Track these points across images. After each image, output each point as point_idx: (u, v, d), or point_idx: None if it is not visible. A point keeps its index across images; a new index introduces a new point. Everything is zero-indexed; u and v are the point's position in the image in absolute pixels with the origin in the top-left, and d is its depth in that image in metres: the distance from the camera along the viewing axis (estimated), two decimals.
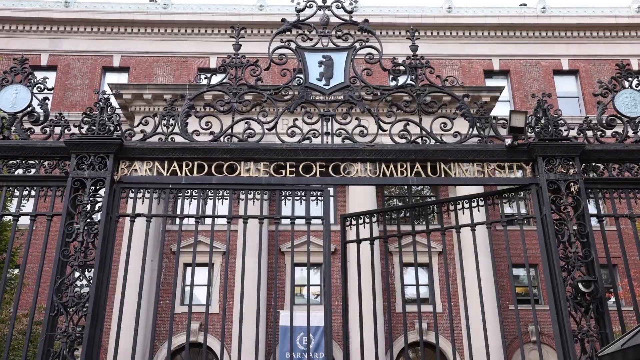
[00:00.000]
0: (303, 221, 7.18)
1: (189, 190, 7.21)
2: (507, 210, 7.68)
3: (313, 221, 7.23)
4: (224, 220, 7.13)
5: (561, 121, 7.36)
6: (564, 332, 6.38)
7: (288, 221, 7.04)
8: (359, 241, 7.54)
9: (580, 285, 6.45)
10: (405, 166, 7.21)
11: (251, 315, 8.71)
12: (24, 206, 7.05)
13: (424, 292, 22.08)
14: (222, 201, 7.19)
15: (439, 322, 21.36)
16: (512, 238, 9.03)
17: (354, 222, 7.79)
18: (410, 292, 20.42)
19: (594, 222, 7.05)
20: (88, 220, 6.74)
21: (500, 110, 21.35)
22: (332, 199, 21.00)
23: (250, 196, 7.15)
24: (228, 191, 7.17)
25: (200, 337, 19.31)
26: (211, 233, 7.09)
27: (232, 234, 20.58)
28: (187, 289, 22.01)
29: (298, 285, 22.37)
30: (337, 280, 19.96)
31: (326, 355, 7.07)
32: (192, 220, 7.18)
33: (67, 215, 6.73)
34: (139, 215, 6.97)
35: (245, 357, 14.24)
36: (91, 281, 6.49)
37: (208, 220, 7.24)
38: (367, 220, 7.81)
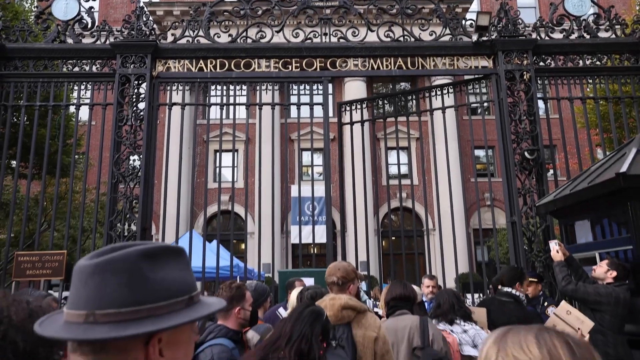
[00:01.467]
0: (307, 110, 7.14)
1: (214, 84, 7.15)
2: (472, 99, 7.57)
3: (315, 115, 7.21)
4: (244, 114, 7.11)
5: (519, 20, 7.12)
6: (511, 189, 6.56)
7: (296, 114, 6.99)
8: (352, 123, 7.54)
9: (526, 153, 6.55)
10: (389, 61, 7.05)
11: (268, 188, 8.94)
12: (82, 98, 7.04)
13: (404, 169, 22.42)
14: (241, 93, 7.11)
15: (415, 192, 21.89)
16: (475, 127, 9.01)
17: (348, 107, 7.74)
18: (393, 170, 20.72)
19: (541, 105, 7.04)
20: (134, 108, 6.75)
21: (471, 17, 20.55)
22: (330, 89, 20.73)
23: (263, 87, 7.08)
24: (246, 84, 7.10)
25: (230, 206, 19.91)
26: (233, 120, 7.09)
27: (251, 125, 20.58)
28: (217, 169, 22.39)
29: (305, 166, 22.68)
30: (336, 161, 20.21)
31: (326, 218, 7.29)
32: (219, 114, 7.17)
33: (117, 104, 6.72)
34: (175, 104, 6.96)
35: (264, 220, 14.75)
36: (141, 156, 6.61)
37: (231, 114, 7.22)
38: (359, 106, 7.77)
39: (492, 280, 5.05)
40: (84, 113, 8.68)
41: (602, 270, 4.73)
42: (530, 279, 5.64)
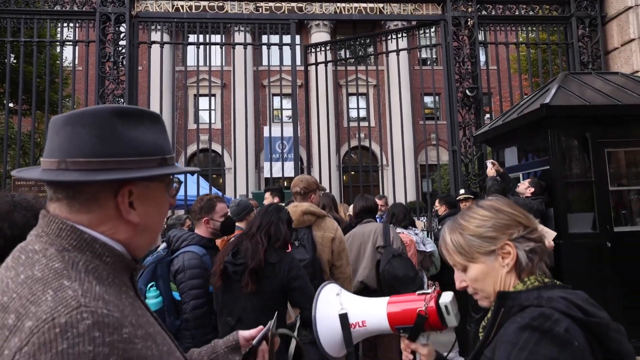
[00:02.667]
0: (278, 57, 6.86)
1: (190, 24, 6.75)
2: (423, 46, 7.44)
3: (284, 59, 6.97)
4: (219, 62, 6.79)
5: None
6: (453, 122, 6.64)
7: (267, 60, 6.73)
8: (317, 64, 7.34)
9: (467, 91, 6.58)
10: (351, 6, 6.81)
11: (242, 129, 8.75)
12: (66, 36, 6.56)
13: (363, 113, 22.34)
14: (216, 39, 6.76)
15: (372, 133, 21.97)
16: (424, 76, 8.95)
17: (314, 50, 7.51)
18: (353, 114, 20.64)
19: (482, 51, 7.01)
20: (116, 46, 6.36)
21: None
22: (297, 40, 20.12)
23: (236, 29, 6.75)
24: (220, 25, 6.74)
25: (208, 144, 19.56)
26: (209, 63, 6.79)
27: (227, 73, 19.86)
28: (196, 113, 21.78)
29: (276, 109, 22.27)
30: (303, 105, 19.91)
31: (294, 155, 7.23)
32: (196, 61, 6.82)
33: (99, 42, 6.30)
34: (154, 42, 6.59)
35: (239, 157, 14.57)
36: (124, 91, 6.31)
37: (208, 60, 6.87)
38: (324, 48, 7.54)
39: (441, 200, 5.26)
40: (68, 53, 8.13)
41: (523, 187, 4.97)
42: (465, 196, 5.84)
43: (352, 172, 20.59)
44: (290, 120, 22.63)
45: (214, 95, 20.29)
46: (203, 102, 21.29)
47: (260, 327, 1.33)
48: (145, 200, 0.95)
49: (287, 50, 7.01)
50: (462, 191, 6.01)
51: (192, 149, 20.31)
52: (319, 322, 1.28)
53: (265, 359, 1.30)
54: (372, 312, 1.25)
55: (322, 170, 7.96)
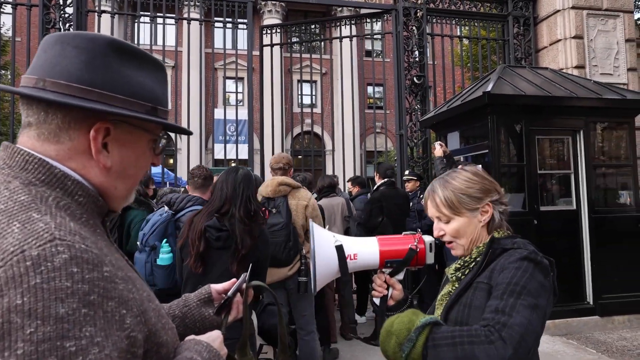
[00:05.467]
0: (231, 45, 6.55)
1: None
2: (371, 35, 7.42)
3: (239, 41, 6.66)
4: (173, 42, 6.35)
5: None
6: (401, 108, 6.70)
7: (221, 42, 6.38)
8: (272, 45, 7.09)
9: (414, 79, 6.65)
10: None
11: (196, 111, 8.36)
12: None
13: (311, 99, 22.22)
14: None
15: (319, 119, 21.94)
16: (371, 66, 8.91)
17: (269, 30, 7.24)
18: (305, 100, 20.49)
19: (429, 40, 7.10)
20: (61, 12, 5.78)
21: None
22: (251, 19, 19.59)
23: (191, 3, 6.36)
24: (176, 1, 6.30)
25: None
26: (163, 41, 6.34)
27: (179, 53, 18.94)
28: None
29: (229, 92, 21.61)
30: (257, 89, 19.49)
31: (248, 138, 6.99)
32: (147, 40, 6.34)
33: (43, 6, 5.69)
34: (104, 11, 6.04)
35: (192, 138, 13.99)
36: None
37: (160, 38, 6.42)
38: (277, 30, 7.30)
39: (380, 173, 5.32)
40: (7, 19, 7.28)
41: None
42: (409, 177, 5.95)
43: (299, 157, 20.52)
44: (242, 104, 22.16)
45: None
46: None
47: (234, 279, 1.26)
48: (123, 145, 0.83)
49: (241, 34, 6.71)
50: (406, 172, 6.12)
51: None
52: (318, 253, 1.28)
53: (239, 310, 1.24)
54: (364, 247, 1.32)
55: (275, 153, 7.77)
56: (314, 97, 22.19)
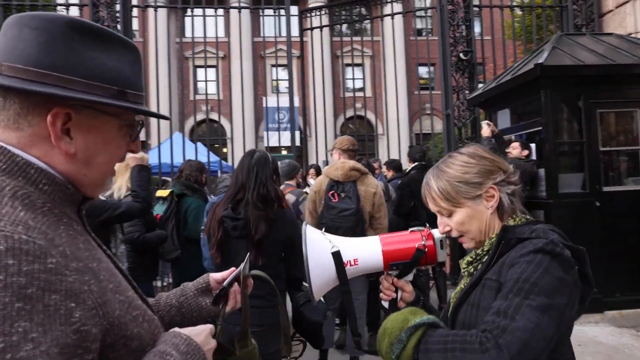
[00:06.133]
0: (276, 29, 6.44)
1: None
2: (418, 26, 7.05)
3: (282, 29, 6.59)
4: (222, 32, 6.38)
5: None
6: (447, 86, 6.34)
7: (266, 32, 6.33)
8: (312, 28, 6.94)
9: (461, 55, 6.26)
10: None
11: (244, 100, 8.39)
12: None
13: (360, 84, 21.84)
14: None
15: (367, 103, 21.57)
16: (420, 46, 8.47)
17: (309, 14, 7.05)
18: (350, 85, 20.18)
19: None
20: (110, 9, 5.98)
21: None
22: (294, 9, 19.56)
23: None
24: None
25: (212, 115, 19.22)
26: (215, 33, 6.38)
27: (226, 44, 19.30)
28: (198, 84, 21.33)
29: (275, 80, 21.75)
30: (305, 74, 19.50)
31: (290, 126, 6.92)
32: (196, 33, 6.35)
33: (92, 5, 5.92)
34: (148, 6, 6.20)
35: (239, 126, 14.29)
36: None
37: (210, 33, 6.48)
38: (319, 12, 7.09)
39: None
40: None
41: (517, 152, 4.76)
42: None
43: None
44: (287, 90, 22.27)
45: (216, 66, 19.77)
46: (205, 73, 20.79)
47: (232, 268, 1.21)
48: (87, 131, 0.78)
49: (284, 20, 6.62)
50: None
51: (198, 116, 19.94)
52: (312, 261, 1.16)
53: (237, 300, 1.18)
54: (365, 250, 1.17)
55: (319, 140, 7.72)
56: (361, 80, 21.80)
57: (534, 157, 4.89)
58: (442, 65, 6.33)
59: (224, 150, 20.28)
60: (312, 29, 6.88)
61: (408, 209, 4.49)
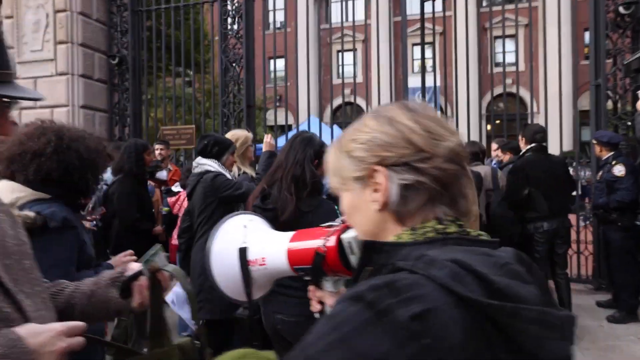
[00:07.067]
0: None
1: None
2: None
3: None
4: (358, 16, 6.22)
5: None
6: (599, 48, 5.00)
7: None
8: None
9: (620, 8, 4.87)
10: None
11: (384, 82, 8.17)
12: None
13: (511, 58, 19.33)
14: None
15: (520, 78, 19.00)
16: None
17: None
18: (500, 58, 17.99)
19: None
20: (235, 3, 6.40)
21: None
22: None
23: None
24: None
25: (350, 98, 19.48)
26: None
27: (368, 27, 19.15)
28: (340, 68, 21.80)
29: (416, 59, 20.81)
30: (448, 52, 18.24)
31: (435, 104, 6.42)
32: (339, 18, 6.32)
33: (221, 0, 6.39)
34: None
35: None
36: (242, 42, 6.34)
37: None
38: None
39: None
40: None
41: None
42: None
43: (497, 121, 18.21)
44: (431, 70, 21.00)
45: (356, 49, 19.81)
46: (346, 57, 21.09)
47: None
48: None
49: None
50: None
51: (337, 101, 20.51)
52: (214, 256, 0.99)
53: (143, 295, 1.07)
54: (273, 248, 0.96)
55: (461, 119, 7.06)
56: (513, 54, 19.26)
57: None
58: (593, 25, 5.04)
59: None
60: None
61: (519, 198, 3.74)
